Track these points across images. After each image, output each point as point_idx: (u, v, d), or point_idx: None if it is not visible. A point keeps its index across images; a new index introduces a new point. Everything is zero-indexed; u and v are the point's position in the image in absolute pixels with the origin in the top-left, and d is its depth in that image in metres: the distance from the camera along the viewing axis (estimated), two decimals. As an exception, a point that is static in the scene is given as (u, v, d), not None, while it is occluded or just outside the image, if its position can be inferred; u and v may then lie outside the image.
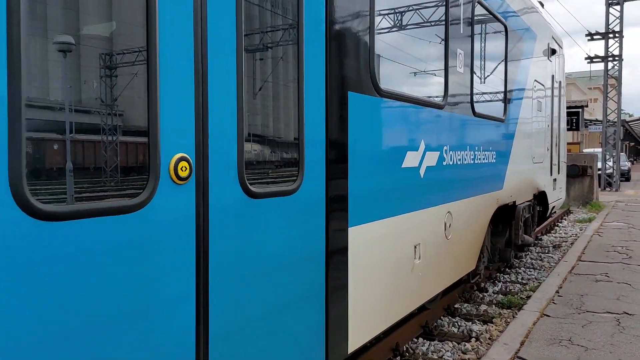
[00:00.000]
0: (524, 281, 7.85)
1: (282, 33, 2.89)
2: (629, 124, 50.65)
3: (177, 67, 2.16)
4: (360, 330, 3.38)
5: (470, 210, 5.13)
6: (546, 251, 10.13)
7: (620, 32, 23.12)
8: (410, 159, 3.81)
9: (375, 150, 3.45)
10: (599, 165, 23.40)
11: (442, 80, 4.40)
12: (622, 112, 62.40)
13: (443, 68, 4.38)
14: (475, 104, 5.00)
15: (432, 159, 4.13)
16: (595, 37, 23.82)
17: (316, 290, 2.98)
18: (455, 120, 4.62)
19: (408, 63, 4.28)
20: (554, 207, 8.96)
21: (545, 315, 5.64)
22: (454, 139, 4.56)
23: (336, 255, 3.12)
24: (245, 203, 2.46)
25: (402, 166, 3.72)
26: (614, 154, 23.13)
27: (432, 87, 4.54)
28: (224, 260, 2.39)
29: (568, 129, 17.62)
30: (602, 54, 23.44)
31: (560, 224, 13.89)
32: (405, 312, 4.00)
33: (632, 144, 72.12)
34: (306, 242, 2.89)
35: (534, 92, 7.14)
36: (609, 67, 23.41)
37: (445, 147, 4.33)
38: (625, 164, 31.38)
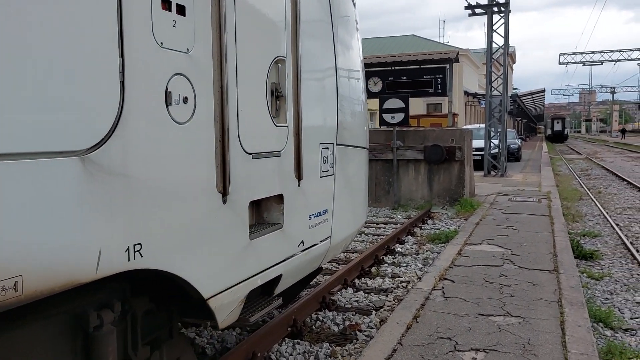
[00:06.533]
0: None
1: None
2: (521, 99, 48.33)
3: None
4: None
5: None
6: (313, 355, 4.27)
7: (507, -26, 18.22)
8: None
9: None
10: (479, 144, 18.64)
11: None
12: (515, 90, 60.80)
13: None
14: None
15: None
16: (477, -19, 18.79)
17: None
18: None
19: None
20: (278, 276, 3.06)
21: None
22: None
23: None
24: None
25: None
26: (500, 130, 18.42)
27: None
28: None
29: (431, 93, 12.22)
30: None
31: (403, 245, 8.30)
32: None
33: (524, 120, 71.66)
34: None
35: None
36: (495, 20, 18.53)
37: None
38: (515, 141, 27.43)
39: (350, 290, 5.94)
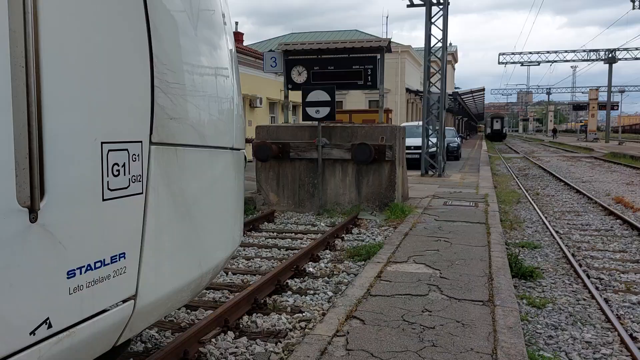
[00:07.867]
0: None
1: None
2: (462, 97, 48.46)
3: None
4: None
5: None
6: None
7: (446, -36, 17.33)
8: None
9: None
10: (417, 142, 17.72)
11: None
12: (456, 89, 61.27)
13: None
14: None
15: None
16: (415, -30, 17.80)
17: None
18: None
19: None
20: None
21: None
22: None
23: None
24: None
25: None
26: (437, 128, 17.52)
27: None
28: None
29: (361, 85, 10.97)
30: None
31: (317, 264, 6.96)
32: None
33: (465, 119, 72.65)
34: None
35: None
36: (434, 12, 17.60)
37: None
38: (455, 140, 26.83)
39: (230, 335, 4.51)
